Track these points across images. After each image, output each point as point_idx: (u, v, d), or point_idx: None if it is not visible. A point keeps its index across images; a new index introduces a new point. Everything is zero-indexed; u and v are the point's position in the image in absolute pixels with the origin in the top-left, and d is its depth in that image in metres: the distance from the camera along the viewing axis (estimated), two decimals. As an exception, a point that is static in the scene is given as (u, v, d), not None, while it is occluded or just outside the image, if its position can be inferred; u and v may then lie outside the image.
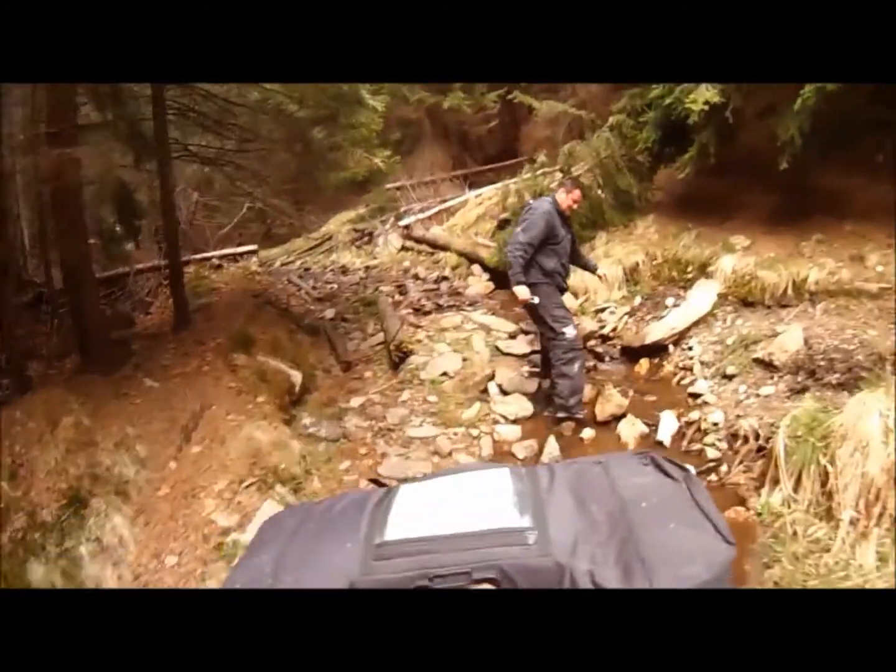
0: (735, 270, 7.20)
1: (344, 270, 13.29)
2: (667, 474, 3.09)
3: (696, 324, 7.18)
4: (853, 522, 4.12)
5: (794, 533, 4.34)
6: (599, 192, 9.33)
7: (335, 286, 12.04)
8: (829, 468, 4.33)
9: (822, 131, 6.37)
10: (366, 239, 14.82)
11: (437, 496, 3.13)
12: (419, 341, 8.32)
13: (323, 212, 16.21)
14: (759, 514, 4.67)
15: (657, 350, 7.26)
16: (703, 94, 6.69)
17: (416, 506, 3.08)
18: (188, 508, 4.97)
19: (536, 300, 6.25)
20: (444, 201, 14.71)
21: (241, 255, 13.53)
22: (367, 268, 13.13)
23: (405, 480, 3.37)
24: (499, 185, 12.79)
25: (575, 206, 6.73)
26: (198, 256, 12.37)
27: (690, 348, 7.02)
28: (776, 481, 4.71)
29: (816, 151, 6.61)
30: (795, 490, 4.56)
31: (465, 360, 7.72)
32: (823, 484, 4.39)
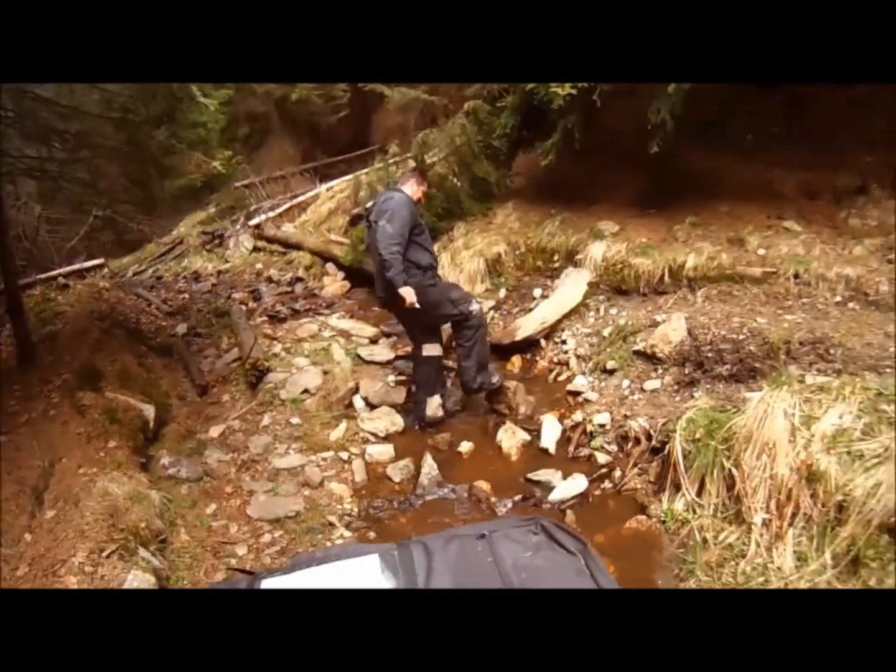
0: (606, 258, 6.86)
1: (196, 277, 12.60)
2: (560, 545, 2.70)
3: (567, 315, 6.83)
4: (766, 525, 3.91)
5: (704, 540, 4.10)
6: (455, 180, 8.90)
7: (187, 296, 11.34)
8: (735, 471, 4.09)
9: (693, 113, 6.11)
10: (216, 242, 14.11)
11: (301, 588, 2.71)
12: (276, 356, 7.67)
13: (174, 214, 15.38)
14: (664, 522, 4.40)
15: (529, 345, 6.88)
16: (570, 78, 6.28)
17: None
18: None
19: (417, 305, 5.74)
20: (295, 196, 14.15)
21: (88, 270, 12.60)
22: (218, 272, 12.48)
23: (266, 573, 2.87)
24: (350, 176, 12.42)
25: (423, 198, 6.49)
26: (43, 276, 11.31)
27: (564, 342, 6.67)
28: (677, 486, 4.44)
29: (686, 133, 6.31)
30: (699, 495, 4.30)
31: (326, 373, 7.13)
32: (730, 487, 4.15)
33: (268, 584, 2.74)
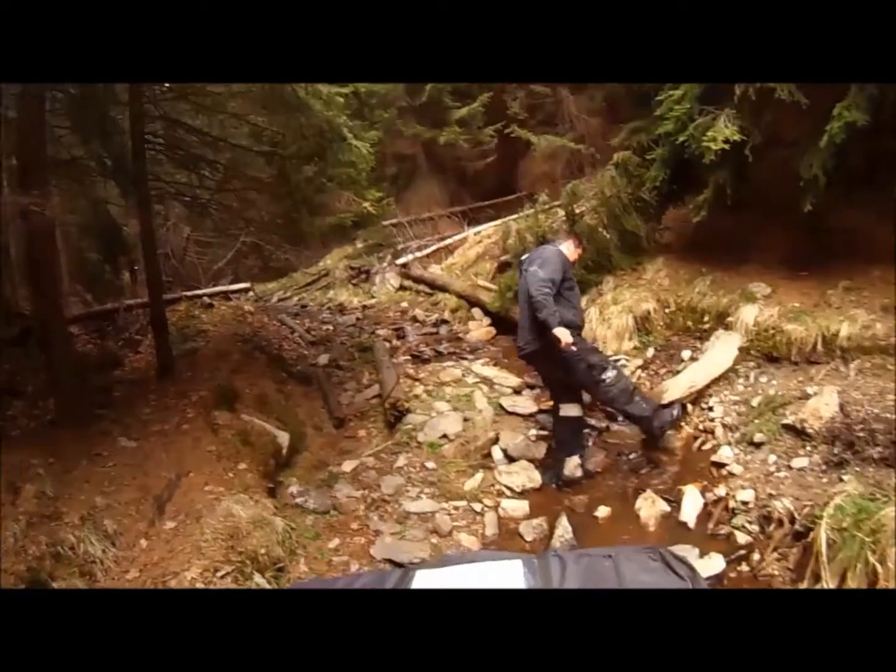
0: (757, 322, 6.60)
1: (341, 309, 12.95)
2: (674, 571, 2.80)
3: (716, 381, 6.60)
4: None
5: None
6: (605, 232, 8.72)
7: (331, 327, 11.64)
8: (879, 568, 3.81)
9: (846, 169, 5.86)
10: (363, 276, 14.52)
11: (451, 588, 2.85)
12: (417, 397, 7.77)
13: (321, 246, 15.85)
14: None
15: (674, 409, 6.64)
16: (722, 132, 6.11)
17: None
18: (157, 598, 4.41)
19: (574, 348, 5.72)
20: (443, 238, 14.43)
21: (233, 292, 13.11)
22: (364, 307, 12.76)
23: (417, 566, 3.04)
24: (498, 222, 12.49)
25: (577, 261, 6.69)
26: (189, 294, 11.90)
27: (711, 409, 6.43)
28: (817, 577, 4.15)
29: (839, 190, 6.03)
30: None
31: (466, 420, 7.16)
32: (871, 585, 3.84)
33: (420, 576, 2.92)
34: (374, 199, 9.17)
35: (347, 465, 6.72)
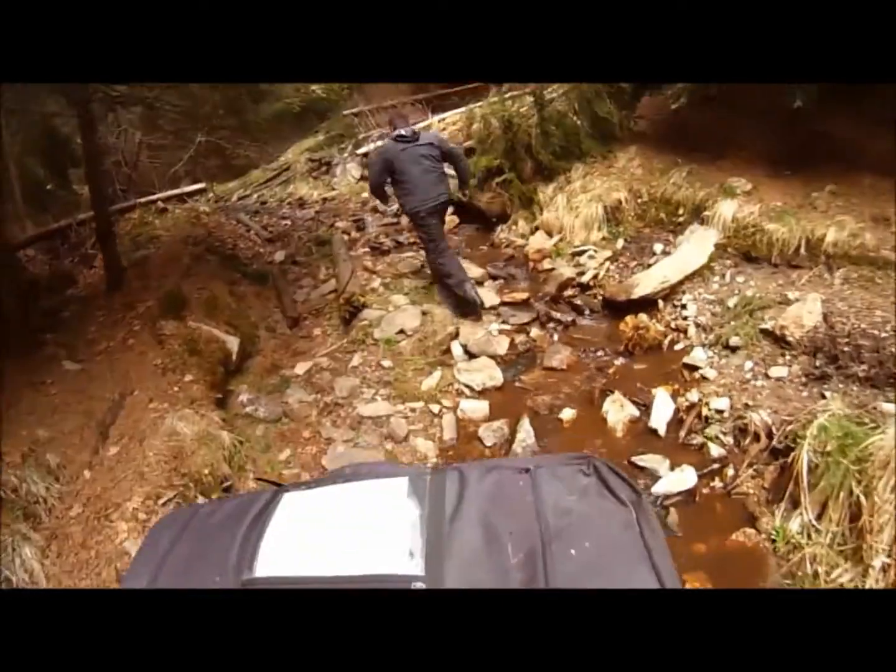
0: (736, 218, 6.27)
1: (301, 204, 12.65)
2: (612, 493, 2.36)
3: (690, 277, 6.29)
4: (885, 570, 3.45)
5: (816, 574, 3.67)
6: (575, 118, 8.33)
7: (289, 223, 11.38)
8: (864, 500, 3.61)
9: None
10: (323, 169, 14.09)
11: (320, 515, 2.53)
12: (374, 290, 7.43)
13: (281, 140, 15.41)
14: (773, 541, 3.97)
15: (645, 305, 6.32)
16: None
17: (293, 528, 2.51)
18: (100, 534, 4.21)
19: None
20: None
21: (189, 195, 12.79)
22: (324, 200, 12.46)
23: (292, 485, 2.74)
24: (463, 109, 11.97)
25: None
26: (143, 200, 11.55)
27: (684, 307, 6.14)
28: (795, 503, 4.00)
29: (830, 94, 5.64)
30: (819, 518, 3.83)
31: (424, 314, 6.83)
32: (854, 517, 3.66)
33: (290, 497, 2.65)
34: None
35: (300, 368, 6.46)
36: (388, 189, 7.15)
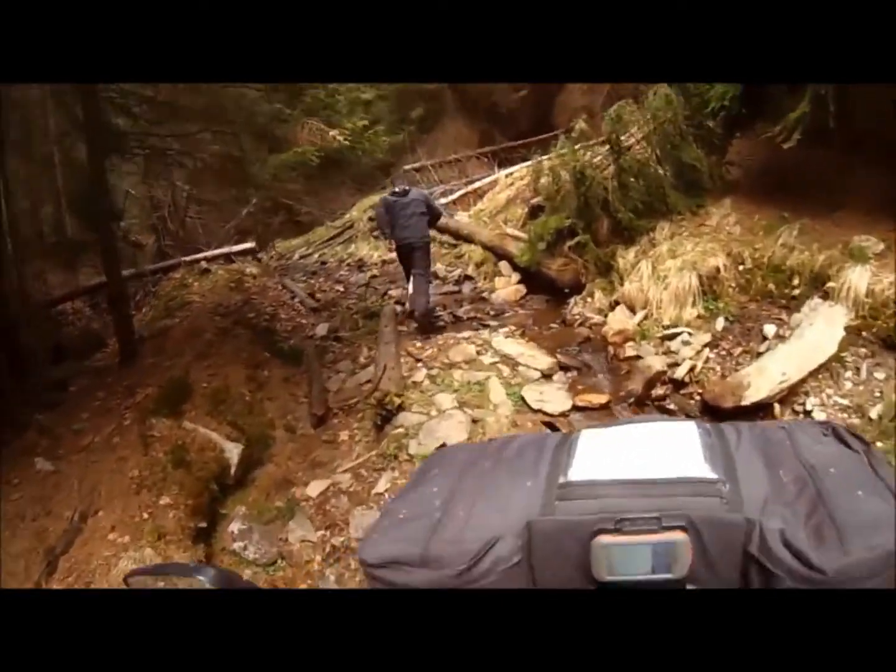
0: (872, 292, 4.99)
1: (360, 265, 12.40)
2: (847, 445, 2.22)
3: (813, 373, 4.95)
4: None
5: None
6: (658, 168, 7.56)
7: (342, 289, 11.01)
8: None
9: None
10: (385, 228, 13.76)
11: (621, 442, 2.38)
12: (416, 385, 6.25)
13: (348, 196, 15.65)
14: None
15: (757, 411, 4.95)
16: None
17: (599, 450, 2.36)
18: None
19: None
20: (471, 182, 13.98)
21: (236, 254, 12.62)
22: (383, 262, 12.02)
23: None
24: (531, 162, 11.31)
25: None
26: (188, 259, 11.54)
27: (809, 413, 4.78)
28: None
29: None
30: None
31: (475, 422, 5.57)
32: None
33: (587, 434, 2.47)
34: (355, 127, 7.82)
35: (314, 488, 5.43)
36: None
